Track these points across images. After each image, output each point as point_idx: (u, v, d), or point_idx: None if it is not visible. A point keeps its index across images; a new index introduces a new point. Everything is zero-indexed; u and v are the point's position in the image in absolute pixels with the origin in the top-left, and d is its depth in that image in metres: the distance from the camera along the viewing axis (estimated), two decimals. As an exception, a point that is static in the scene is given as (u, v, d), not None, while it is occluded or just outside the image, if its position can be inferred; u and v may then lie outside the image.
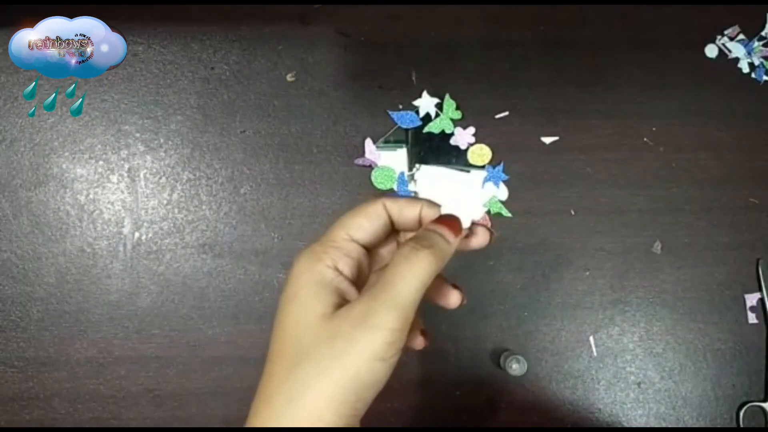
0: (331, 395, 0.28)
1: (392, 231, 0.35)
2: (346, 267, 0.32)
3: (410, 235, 0.34)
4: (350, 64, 0.59)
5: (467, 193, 0.59)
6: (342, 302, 0.30)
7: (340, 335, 0.28)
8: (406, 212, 0.34)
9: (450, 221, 0.33)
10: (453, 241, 0.32)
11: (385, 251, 0.36)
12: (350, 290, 0.31)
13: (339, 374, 0.28)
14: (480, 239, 0.35)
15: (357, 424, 0.30)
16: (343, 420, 0.28)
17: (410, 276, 0.29)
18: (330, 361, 0.28)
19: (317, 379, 0.28)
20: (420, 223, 0.34)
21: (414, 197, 0.34)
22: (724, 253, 0.59)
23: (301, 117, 0.58)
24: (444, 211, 0.34)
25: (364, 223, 0.33)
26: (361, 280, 0.34)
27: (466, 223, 0.34)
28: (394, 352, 0.28)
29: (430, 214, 0.34)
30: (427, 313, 0.60)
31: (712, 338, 0.59)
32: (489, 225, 0.58)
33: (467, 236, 0.34)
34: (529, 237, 0.58)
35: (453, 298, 0.35)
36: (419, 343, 0.36)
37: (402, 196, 0.34)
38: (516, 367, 0.55)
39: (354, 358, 0.28)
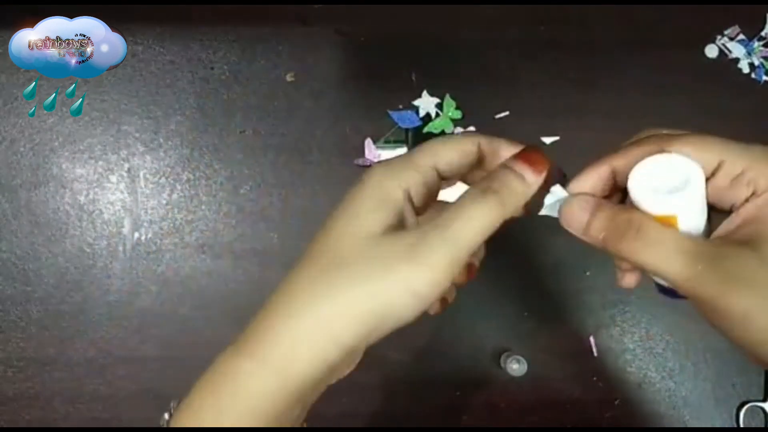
0: (355, 311, 0.26)
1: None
2: (417, 194, 0.29)
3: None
4: (350, 64, 0.59)
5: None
6: (398, 226, 0.28)
7: (382, 259, 0.26)
8: (503, 154, 0.31)
9: (532, 155, 0.30)
10: (533, 181, 0.29)
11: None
12: (411, 218, 0.29)
13: (370, 295, 0.26)
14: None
15: (355, 359, 0.30)
16: (351, 341, 0.27)
17: (471, 221, 0.27)
18: (364, 280, 0.26)
19: (347, 290, 0.26)
20: None
21: (512, 141, 0.31)
22: (724, 253, 0.59)
23: (301, 117, 0.58)
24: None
25: (454, 158, 0.30)
26: (425, 209, 0.31)
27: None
28: (432, 292, 0.26)
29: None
30: (427, 313, 0.60)
31: (712, 338, 0.59)
32: None
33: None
34: (529, 237, 0.58)
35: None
36: (462, 277, 0.33)
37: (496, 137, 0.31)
38: (516, 367, 0.55)
39: (390, 286, 0.26)
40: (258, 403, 0.27)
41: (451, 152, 0.30)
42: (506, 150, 0.31)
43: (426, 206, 0.31)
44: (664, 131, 0.29)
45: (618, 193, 0.31)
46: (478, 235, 0.27)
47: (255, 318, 0.29)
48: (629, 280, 0.32)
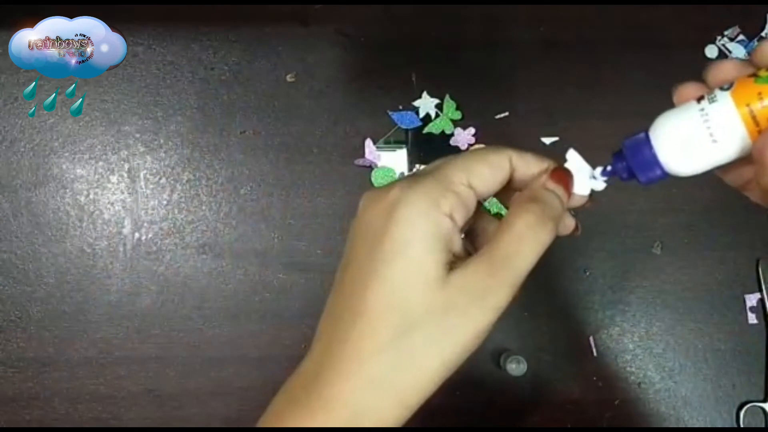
0: (437, 370, 0.26)
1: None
2: (461, 218, 0.27)
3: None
4: (350, 64, 0.59)
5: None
6: (452, 259, 0.27)
7: (454, 308, 0.26)
8: (532, 170, 0.29)
9: (563, 175, 0.29)
10: (566, 202, 0.29)
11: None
12: (459, 245, 0.28)
13: (449, 350, 0.26)
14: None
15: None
16: (421, 402, 0.26)
17: (533, 253, 0.26)
18: (442, 336, 0.26)
19: (426, 350, 0.26)
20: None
21: (537, 155, 0.30)
22: (724, 253, 0.59)
23: (301, 117, 0.58)
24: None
25: (486, 173, 0.28)
26: (464, 229, 0.30)
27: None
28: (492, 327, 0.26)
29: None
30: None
31: (712, 338, 0.59)
32: None
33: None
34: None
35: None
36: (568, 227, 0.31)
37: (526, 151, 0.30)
38: (516, 367, 0.55)
39: (467, 335, 0.26)
40: None
41: (481, 166, 0.28)
42: (535, 165, 0.30)
43: (465, 226, 0.29)
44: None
45: None
46: (534, 262, 0.26)
47: (317, 373, 0.27)
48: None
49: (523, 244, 0.26)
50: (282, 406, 0.27)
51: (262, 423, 0.28)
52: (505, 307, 0.26)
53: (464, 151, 0.58)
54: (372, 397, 0.26)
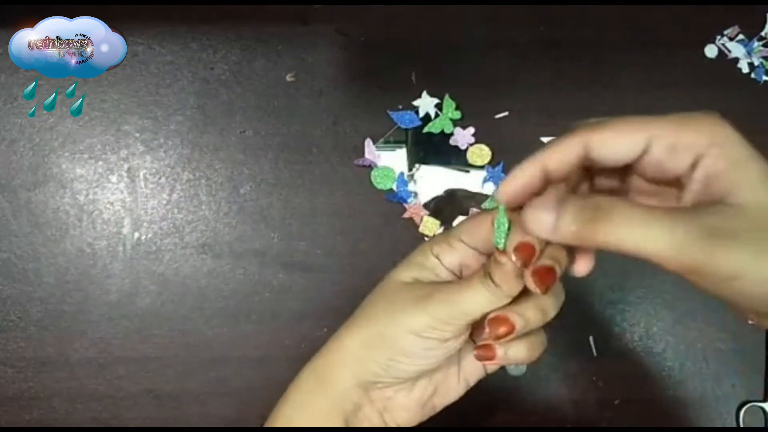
0: (370, 354, 0.36)
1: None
2: (446, 258, 0.37)
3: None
4: (350, 64, 0.59)
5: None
6: (425, 278, 0.36)
7: (402, 302, 0.35)
8: (479, 233, 0.36)
9: (525, 251, 0.31)
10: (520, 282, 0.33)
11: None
12: (444, 272, 0.37)
13: (380, 335, 0.35)
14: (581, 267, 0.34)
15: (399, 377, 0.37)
16: (370, 377, 0.36)
17: (473, 301, 0.33)
18: (376, 324, 0.36)
19: (365, 335, 0.36)
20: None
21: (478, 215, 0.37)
22: (724, 253, 0.59)
23: (301, 117, 0.58)
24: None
25: (479, 231, 0.36)
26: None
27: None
28: (432, 335, 0.34)
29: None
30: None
31: (712, 338, 0.59)
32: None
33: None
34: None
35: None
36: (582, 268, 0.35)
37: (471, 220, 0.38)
38: (516, 367, 0.55)
39: (394, 329, 0.35)
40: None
41: (470, 227, 0.37)
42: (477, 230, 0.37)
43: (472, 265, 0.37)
44: (592, 120, 0.29)
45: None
46: (476, 311, 0.33)
47: (324, 353, 0.39)
48: (583, 267, 0.34)
49: (467, 289, 0.33)
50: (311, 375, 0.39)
51: (289, 398, 0.39)
52: (441, 320, 0.33)
53: (464, 151, 0.58)
54: (345, 374, 0.37)
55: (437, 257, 0.37)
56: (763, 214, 0.24)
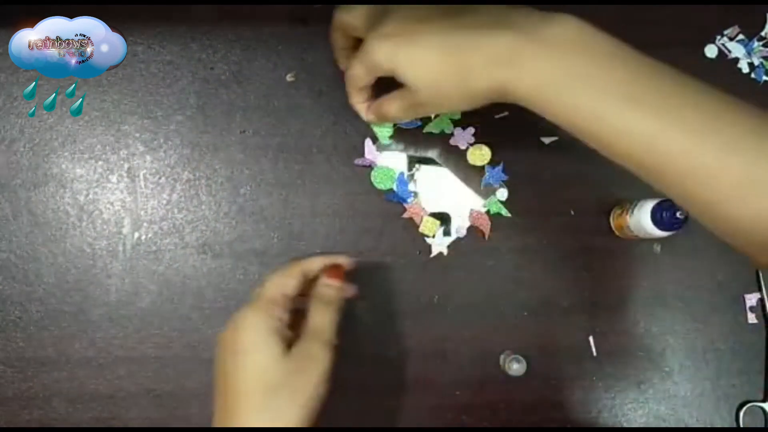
0: (307, 408, 0.41)
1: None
2: (284, 315, 0.44)
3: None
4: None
5: (466, 193, 0.59)
6: (286, 340, 0.42)
7: (300, 367, 0.41)
8: (314, 268, 0.48)
9: (333, 270, 0.47)
10: (340, 285, 0.47)
11: None
12: (287, 333, 0.43)
13: (309, 392, 0.41)
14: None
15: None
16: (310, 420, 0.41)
17: (326, 322, 0.44)
18: (302, 385, 0.41)
19: (292, 399, 0.40)
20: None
21: (312, 259, 0.48)
22: (724, 253, 0.59)
23: (301, 117, 0.58)
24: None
25: (289, 283, 0.45)
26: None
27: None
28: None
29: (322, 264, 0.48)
30: (427, 313, 0.60)
31: (712, 338, 0.59)
32: (488, 225, 0.58)
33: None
34: (528, 237, 0.58)
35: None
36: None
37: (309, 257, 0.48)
38: (516, 367, 0.55)
39: (315, 377, 0.41)
40: None
41: (288, 280, 0.46)
42: (313, 266, 0.48)
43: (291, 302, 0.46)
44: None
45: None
46: (333, 324, 0.44)
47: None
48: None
49: (316, 318, 0.44)
50: None
51: None
52: (327, 355, 0.42)
53: (464, 151, 0.58)
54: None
55: (279, 319, 0.43)
56: (421, 84, 0.41)
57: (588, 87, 0.36)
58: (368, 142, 0.58)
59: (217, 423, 0.43)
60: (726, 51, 0.61)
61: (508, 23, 0.38)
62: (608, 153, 0.38)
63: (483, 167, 0.59)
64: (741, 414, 0.58)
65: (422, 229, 0.58)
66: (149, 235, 0.57)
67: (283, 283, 0.45)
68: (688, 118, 0.35)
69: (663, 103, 0.35)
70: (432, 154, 0.59)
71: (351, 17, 0.45)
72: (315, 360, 0.42)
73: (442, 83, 0.40)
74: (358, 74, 0.44)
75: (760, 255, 0.37)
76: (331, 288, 0.46)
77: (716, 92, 0.37)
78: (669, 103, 0.35)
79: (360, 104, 0.48)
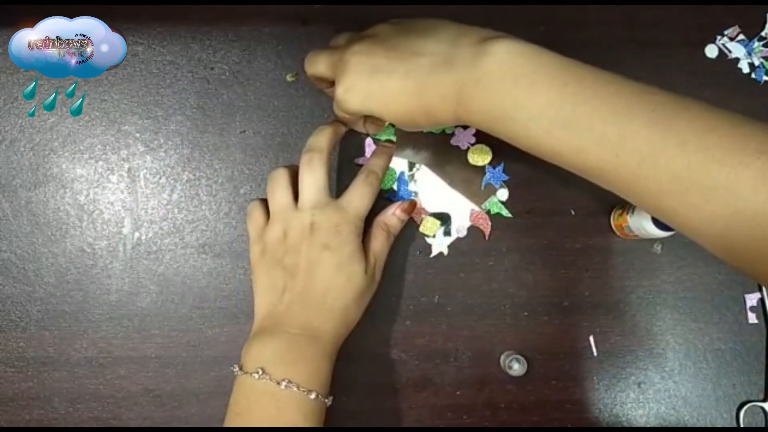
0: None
1: None
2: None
3: None
4: (350, 64, 0.59)
5: (466, 193, 0.58)
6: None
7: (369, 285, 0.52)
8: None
9: (408, 206, 0.55)
10: (405, 219, 0.55)
11: None
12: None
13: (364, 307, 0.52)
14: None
15: None
16: None
17: (385, 249, 0.53)
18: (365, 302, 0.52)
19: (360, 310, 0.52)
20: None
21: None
22: (724, 253, 0.59)
23: (301, 117, 0.58)
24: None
25: (341, 130, 0.54)
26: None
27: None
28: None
29: None
30: (427, 313, 0.60)
31: (712, 338, 0.59)
32: (489, 225, 0.58)
33: None
34: (529, 237, 0.58)
35: None
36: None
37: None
38: (516, 367, 0.55)
39: (369, 298, 0.53)
40: None
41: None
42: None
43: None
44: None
45: None
46: (384, 253, 0.53)
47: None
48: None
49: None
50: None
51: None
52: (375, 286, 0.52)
53: (464, 151, 0.58)
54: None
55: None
56: (397, 121, 0.46)
57: (521, 116, 0.40)
58: (368, 141, 0.58)
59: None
60: (726, 51, 0.61)
61: (451, 61, 0.42)
62: (565, 167, 0.42)
63: (484, 167, 0.59)
64: (741, 414, 0.58)
65: (422, 229, 0.58)
66: (149, 235, 0.57)
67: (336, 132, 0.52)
68: (608, 133, 0.38)
69: (588, 121, 0.39)
70: (432, 153, 0.59)
71: (315, 70, 0.49)
72: (376, 283, 0.51)
73: (415, 118, 0.44)
74: (343, 117, 0.50)
75: (732, 260, 0.40)
76: (399, 219, 0.53)
77: (652, 102, 0.41)
78: (593, 120, 0.39)
79: (355, 125, 0.54)
